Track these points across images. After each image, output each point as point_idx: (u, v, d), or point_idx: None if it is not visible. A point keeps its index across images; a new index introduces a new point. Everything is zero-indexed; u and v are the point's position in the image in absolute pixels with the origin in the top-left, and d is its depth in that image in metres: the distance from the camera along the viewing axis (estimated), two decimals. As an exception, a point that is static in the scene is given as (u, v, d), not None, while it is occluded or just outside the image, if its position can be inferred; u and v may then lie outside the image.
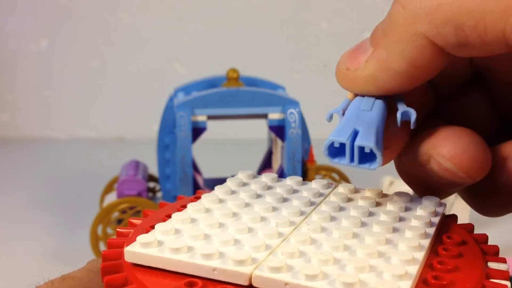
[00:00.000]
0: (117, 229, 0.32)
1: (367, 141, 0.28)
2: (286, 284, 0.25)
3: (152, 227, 0.30)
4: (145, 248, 0.27)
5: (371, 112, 0.29)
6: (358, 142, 0.28)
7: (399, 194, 0.34)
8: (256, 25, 1.38)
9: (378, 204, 0.33)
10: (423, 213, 0.31)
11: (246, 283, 0.25)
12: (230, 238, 0.28)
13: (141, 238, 0.27)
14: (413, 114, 0.29)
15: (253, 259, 0.26)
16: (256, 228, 0.29)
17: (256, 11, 1.38)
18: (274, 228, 0.29)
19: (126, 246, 0.28)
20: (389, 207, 0.32)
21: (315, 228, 0.29)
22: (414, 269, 0.26)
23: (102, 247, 0.75)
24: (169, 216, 0.31)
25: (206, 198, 0.33)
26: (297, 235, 0.28)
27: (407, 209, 0.32)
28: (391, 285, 0.24)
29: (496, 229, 0.83)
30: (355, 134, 0.29)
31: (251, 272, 0.25)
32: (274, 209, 0.32)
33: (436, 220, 0.31)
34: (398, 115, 0.30)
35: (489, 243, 0.31)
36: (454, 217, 0.34)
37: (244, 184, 0.36)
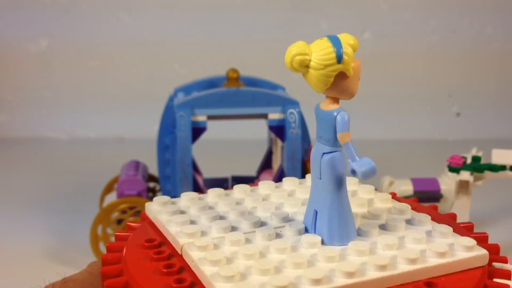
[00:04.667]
0: (116, 233, 0.32)
1: (319, 234, 0.30)
2: None
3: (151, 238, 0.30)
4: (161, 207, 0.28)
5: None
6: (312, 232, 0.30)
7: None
8: (256, 25, 1.38)
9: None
10: (423, 216, 0.31)
11: None
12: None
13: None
14: None
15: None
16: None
17: (256, 11, 1.38)
18: (273, 230, 0.29)
19: (126, 250, 0.28)
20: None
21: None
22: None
23: (102, 247, 0.75)
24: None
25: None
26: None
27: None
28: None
29: (495, 229, 0.83)
30: (315, 215, 0.30)
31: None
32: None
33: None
34: None
35: (489, 242, 0.31)
36: (453, 216, 0.34)
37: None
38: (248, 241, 0.28)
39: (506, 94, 1.45)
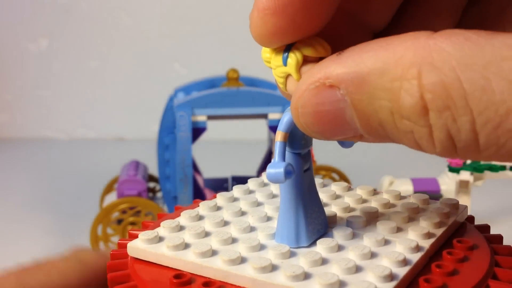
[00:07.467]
0: (129, 231, 0.32)
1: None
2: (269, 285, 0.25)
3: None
4: (145, 244, 0.28)
5: None
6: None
7: (417, 196, 0.34)
8: (256, 25, 1.38)
9: (392, 206, 0.33)
10: (434, 214, 0.31)
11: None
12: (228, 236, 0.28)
13: (143, 234, 0.28)
14: None
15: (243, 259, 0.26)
16: (258, 228, 0.30)
17: (256, 11, 1.38)
18: (275, 229, 0.29)
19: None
20: (401, 208, 0.32)
21: None
22: (402, 271, 0.25)
23: (102, 247, 0.75)
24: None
25: (221, 197, 0.34)
26: None
27: (420, 210, 0.32)
28: (367, 285, 0.24)
29: (496, 229, 0.83)
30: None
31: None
32: None
33: (448, 221, 0.30)
34: None
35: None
36: (470, 217, 0.33)
37: (265, 185, 0.37)
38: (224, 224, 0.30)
39: (506, 94, 1.45)
